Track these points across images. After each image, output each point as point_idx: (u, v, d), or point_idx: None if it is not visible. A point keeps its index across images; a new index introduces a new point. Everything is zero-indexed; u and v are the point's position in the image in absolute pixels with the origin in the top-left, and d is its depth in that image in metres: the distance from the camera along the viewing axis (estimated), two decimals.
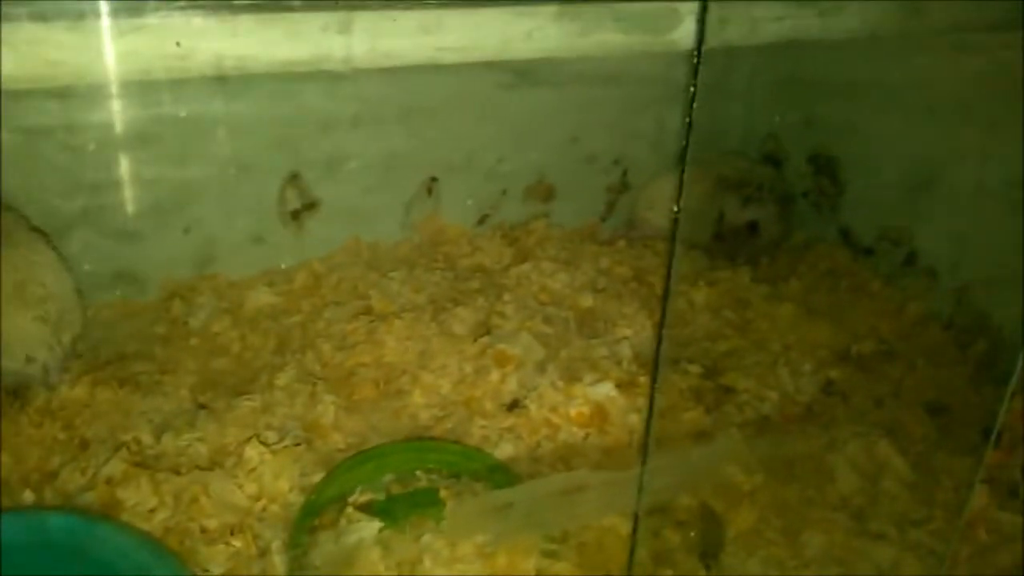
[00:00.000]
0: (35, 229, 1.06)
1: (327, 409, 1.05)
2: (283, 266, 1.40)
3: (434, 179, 1.48)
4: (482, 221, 1.56)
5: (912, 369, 1.16)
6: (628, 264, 1.40)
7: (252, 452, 0.92)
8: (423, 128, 1.41)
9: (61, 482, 0.93)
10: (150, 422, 1.02)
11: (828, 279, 1.42)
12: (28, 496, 0.90)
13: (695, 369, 1.14)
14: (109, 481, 0.90)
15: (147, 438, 0.98)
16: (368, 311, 1.26)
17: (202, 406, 1.06)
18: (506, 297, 1.26)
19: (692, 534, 0.90)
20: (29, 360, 0.97)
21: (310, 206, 1.40)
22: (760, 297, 1.32)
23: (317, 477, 0.94)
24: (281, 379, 1.12)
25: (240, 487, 0.90)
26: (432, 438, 1.00)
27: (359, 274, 1.36)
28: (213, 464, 0.94)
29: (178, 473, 0.92)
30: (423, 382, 1.13)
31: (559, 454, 1.01)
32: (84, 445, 0.99)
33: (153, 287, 1.30)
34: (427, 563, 0.83)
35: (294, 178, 1.38)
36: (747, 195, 1.41)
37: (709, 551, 0.89)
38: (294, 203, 1.39)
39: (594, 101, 1.52)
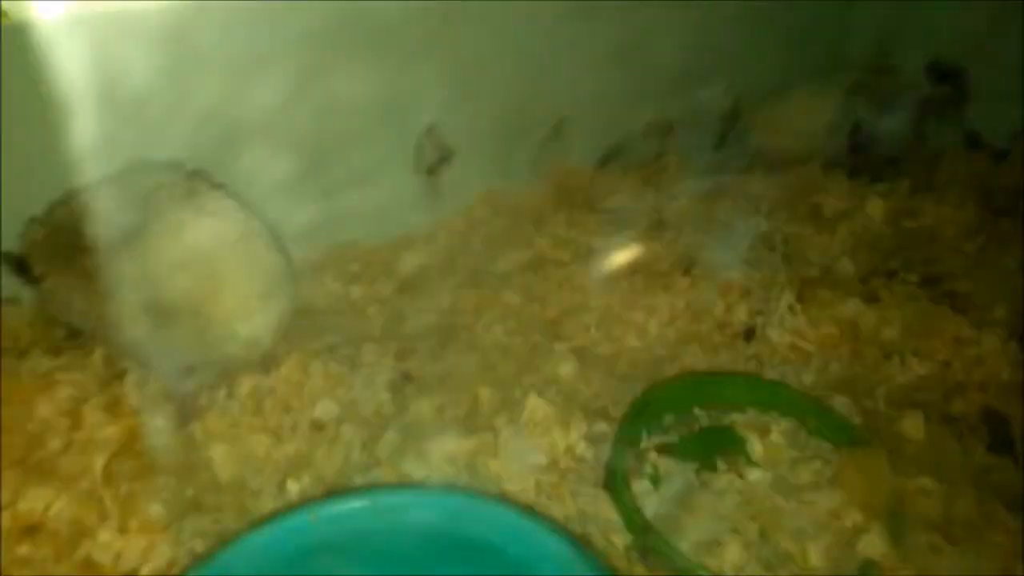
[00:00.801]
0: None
1: (559, 359, 0.95)
2: (422, 224, 1.29)
3: (561, 120, 1.39)
4: (604, 162, 1.47)
5: None
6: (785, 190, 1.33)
7: (534, 403, 0.83)
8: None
9: (317, 468, 0.82)
10: (374, 395, 0.91)
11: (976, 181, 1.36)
12: (292, 487, 0.79)
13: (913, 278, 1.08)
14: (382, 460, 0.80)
15: (388, 408, 0.88)
16: (542, 260, 1.17)
17: (407, 377, 0.96)
18: (687, 231, 1.17)
19: None
20: (251, 343, 0.85)
21: (445, 158, 1.30)
22: (932, 203, 1.26)
23: (594, 428, 0.85)
24: (487, 337, 1.02)
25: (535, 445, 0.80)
26: (707, 372, 0.92)
27: (509, 223, 1.26)
28: (482, 427, 0.84)
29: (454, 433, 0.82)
30: (636, 323, 1.04)
31: (825, 378, 0.94)
32: (318, 426, 0.88)
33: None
34: (779, 500, 0.75)
35: (430, 131, 1.27)
36: (884, 103, 1.35)
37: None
38: (431, 157, 1.28)
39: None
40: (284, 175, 1.10)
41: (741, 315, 1.02)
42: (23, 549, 0.73)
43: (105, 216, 0.85)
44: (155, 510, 0.77)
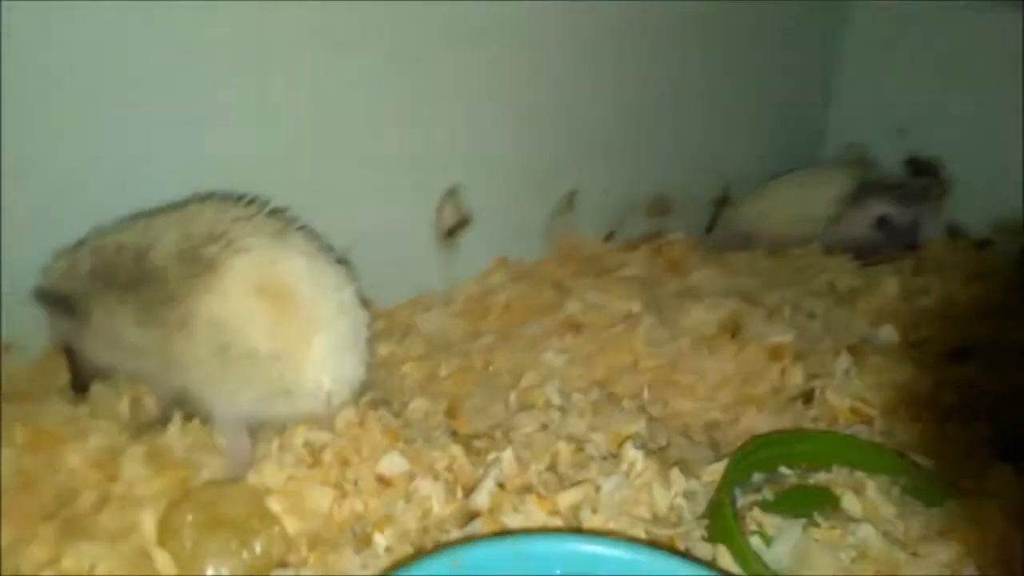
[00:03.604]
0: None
1: (628, 417, 0.92)
2: (436, 288, 1.25)
3: (574, 192, 1.39)
4: (609, 237, 1.48)
5: None
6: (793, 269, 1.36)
7: (634, 455, 0.78)
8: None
9: (397, 523, 0.75)
10: (448, 446, 0.85)
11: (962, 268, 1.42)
12: (380, 541, 0.72)
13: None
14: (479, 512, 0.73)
15: (462, 462, 0.82)
16: (574, 324, 1.14)
17: (472, 434, 0.91)
18: (720, 299, 1.17)
19: None
20: (331, 396, 0.79)
21: (464, 222, 1.28)
22: (938, 284, 1.30)
23: (685, 486, 0.81)
24: (537, 396, 0.98)
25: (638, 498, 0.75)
26: (795, 429, 0.90)
27: (529, 289, 1.24)
28: (572, 481, 0.79)
29: (540, 492, 0.77)
30: (687, 385, 1.02)
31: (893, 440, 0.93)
32: (386, 481, 0.81)
33: None
34: (897, 554, 0.72)
35: (452, 193, 1.25)
36: (904, 195, 1.41)
37: None
38: (450, 220, 1.26)
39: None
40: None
41: (797, 379, 1.01)
42: None
43: (165, 248, 0.78)
44: (224, 568, 0.68)
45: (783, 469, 0.85)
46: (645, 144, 1.42)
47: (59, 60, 0.82)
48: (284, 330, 0.75)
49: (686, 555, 0.68)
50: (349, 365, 0.78)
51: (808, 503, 0.80)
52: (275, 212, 0.82)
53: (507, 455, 0.81)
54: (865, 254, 1.40)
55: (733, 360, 1.04)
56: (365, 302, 1.06)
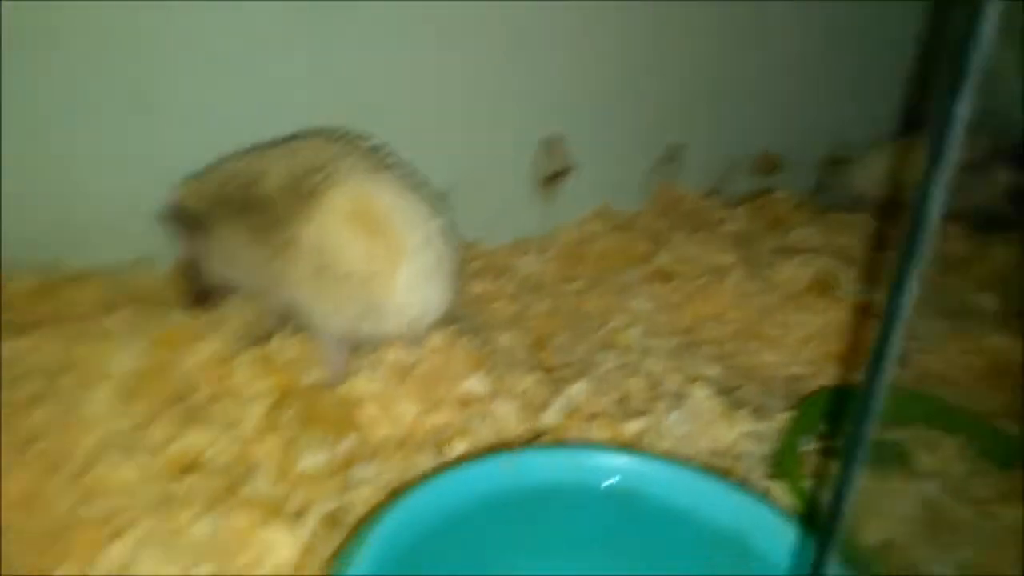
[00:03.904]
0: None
1: (704, 362, 0.94)
2: (535, 233, 1.29)
3: (679, 146, 1.40)
4: (713, 193, 1.48)
5: None
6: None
7: (699, 393, 0.81)
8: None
9: (473, 436, 0.81)
10: (521, 376, 0.90)
11: None
12: (458, 446, 0.78)
13: None
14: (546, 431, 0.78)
15: (538, 389, 0.87)
16: (664, 274, 1.16)
17: (547, 367, 0.96)
18: (814, 257, 1.17)
19: None
20: (415, 320, 0.85)
21: (565, 171, 1.31)
22: None
23: (756, 426, 0.83)
24: (622, 337, 1.01)
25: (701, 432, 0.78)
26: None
27: (625, 238, 1.26)
28: (640, 413, 0.83)
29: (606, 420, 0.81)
30: (772, 338, 1.03)
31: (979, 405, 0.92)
32: (466, 400, 0.87)
33: None
34: (961, 510, 0.73)
35: (552, 142, 1.28)
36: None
37: None
38: (550, 167, 1.29)
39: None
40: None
41: None
42: (185, 483, 0.71)
43: (275, 177, 0.86)
44: (316, 459, 0.75)
45: None
46: (754, 100, 1.41)
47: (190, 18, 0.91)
48: (375, 255, 0.81)
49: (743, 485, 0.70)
50: (433, 291, 0.84)
51: (879, 456, 0.80)
52: (374, 149, 0.88)
53: (580, 385, 0.85)
54: (987, 224, 1.35)
55: (821, 316, 1.04)
56: (465, 243, 1.14)
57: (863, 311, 1.04)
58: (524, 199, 1.29)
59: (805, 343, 1.03)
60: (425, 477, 0.61)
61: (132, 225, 0.96)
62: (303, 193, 0.84)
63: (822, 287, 1.08)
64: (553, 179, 1.31)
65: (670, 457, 0.73)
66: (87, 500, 0.67)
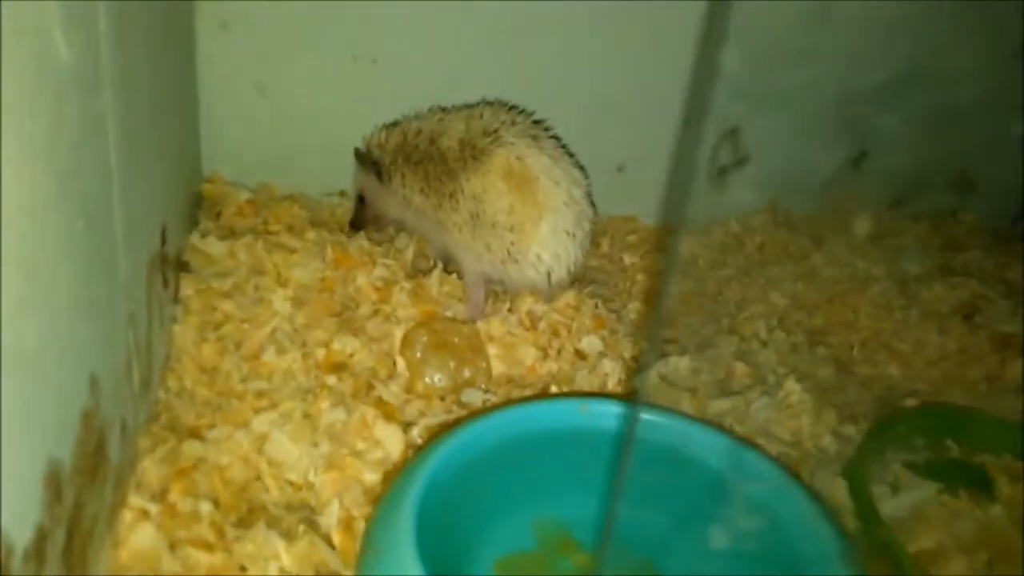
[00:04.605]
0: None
1: (819, 363, 0.98)
2: (701, 218, 1.34)
3: (863, 153, 1.39)
4: (896, 205, 1.45)
5: None
6: None
7: (792, 386, 0.86)
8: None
9: (575, 385, 0.91)
10: (641, 341, 0.98)
11: None
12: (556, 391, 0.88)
13: None
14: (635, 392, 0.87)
15: (648, 357, 0.95)
16: (815, 275, 1.19)
17: (667, 339, 1.02)
18: (973, 283, 1.15)
19: None
20: (548, 272, 0.96)
21: (741, 162, 1.34)
22: None
23: (843, 428, 0.87)
24: (747, 326, 1.06)
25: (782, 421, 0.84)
26: (970, 407, 0.91)
27: (786, 236, 1.29)
28: (734, 395, 0.89)
29: (697, 395, 0.88)
30: (902, 353, 1.04)
31: None
32: (582, 355, 0.96)
33: None
34: (1017, 538, 0.74)
35: (731, 132, 1.32)
36: None
37: None
38: (726, 158, 1.33)
39: None
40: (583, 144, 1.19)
41: (1015, 371, 0.99)
42: (331, 379, 0.87)
43: (451, 137, 0.99)
44: (438, 378, 0.89)
45: (949, 443, 0.87)
46: (949, 112, 1.37)
47: None
48: (520, 210, 0.93)
49: (800, 478, 0.76)
50: (567, 248, 0.95)
51: (958, 478, 0.83)
52: (536, 122, 0.99)
53: (685, 359, 0.93)
54: None
55: (957, 341, 1.04)
56: (628, 217, 1.23)
57: (1004, 342, 1.03)
58: (696, 185, 1.35)
59: (934, 364, 1.03)
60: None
61: (337, 161, 1.13)
62: (472, 152, 0.97)
63: (968, 312, 1.07)
64: (728, 169, 1.35)
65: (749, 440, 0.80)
66: (250, 379, 0.84)
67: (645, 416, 0.70)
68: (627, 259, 1.22)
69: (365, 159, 1.04)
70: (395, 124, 1.05)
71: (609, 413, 0.71)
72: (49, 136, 0.50)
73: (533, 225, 0.93)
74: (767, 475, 0.66)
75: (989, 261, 1.24)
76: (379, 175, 1.03)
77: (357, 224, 1.09)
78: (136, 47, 0.72)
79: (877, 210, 1.40)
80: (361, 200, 1.07)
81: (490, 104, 1.02)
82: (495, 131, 0.96)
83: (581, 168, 1.00)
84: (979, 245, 1.31)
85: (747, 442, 0.72)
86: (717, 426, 0.79)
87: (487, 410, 0.82)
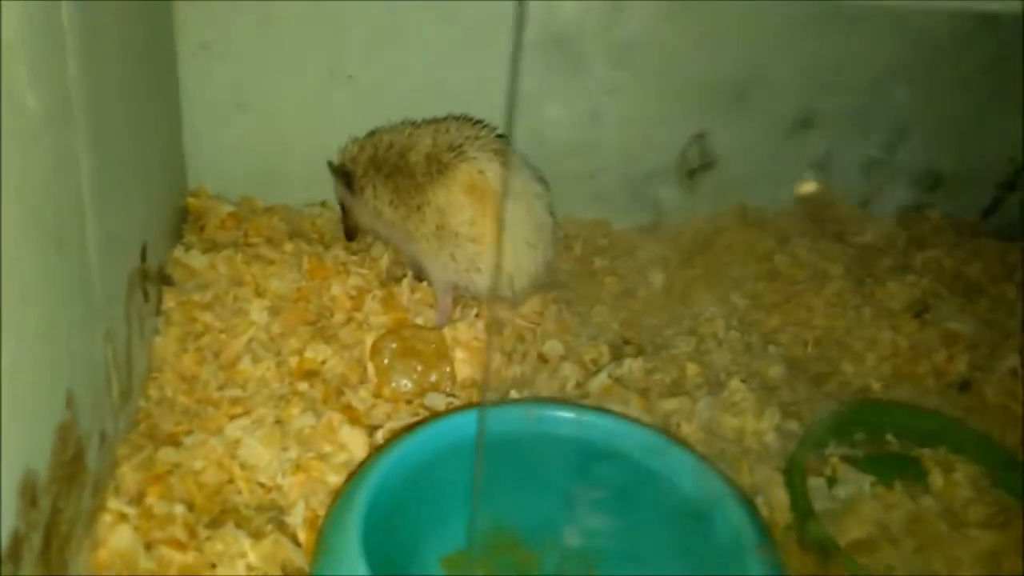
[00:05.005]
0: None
1: (771, 361, 1.03)
2: (670, 220, 1.39)
3: (829, 152, 1.43)
4: (865, 204, 1.49)
5: None
6: None
7: (736, 385, 0.91)
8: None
9: (536, 389, 0.96)
10: (601, 345, 1.03)
11: None
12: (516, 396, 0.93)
13: None
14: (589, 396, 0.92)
15: (605, 360, 1.00)
16: (776, 274, 1.23)
17: (626, 340, 1.08)
18: (929, 279, 1.19)
19: None
20: (510, 280, 1.01)
21: (708, 165, 1.39)
22: None
23: (786, 424, 0.92)
24: (707, 327, 1.11)
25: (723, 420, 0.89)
26: (910, 404, 0.96)
27: (753, 237, 1.34)
28: (682, 395, 0.94)
29: (648, 395, 0.93)
30: (855, 351, 1.09)
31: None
32: (544, 359, 1.02)
33: None
34: (943, 528, 0.79)
35: (699, 136, 1.37)
36: None
37: None
38: (694, 161, 1.38)
39: None
40: (559, 148, 1.24)
41: (961, 366, 1.04)
42: (303, 386, 0.92)
43: (419, 151, 1.04)
44: (404, 383, 0.94)
45: (889, 437, 0.92)
46: (916, 110, 1.40)
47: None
48: (481, 222, 0.98)
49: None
50: (528, 258, 1.00)
51: (895, 470, 0.88)
52: (501, 136, 1.04)
53: (639, 361, 0.98)
54: None
55: (907, 338, 1.09)
56: (598, 222, 1.28)
57: (951, 340, 1.07)
58: (663, 188, 1.40)
59: (885, 360, 1.08)
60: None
61: (317, 173, 1.18)
62: (438, 166, 1.02)
63: (919, 309, 1.12)
64: (695, 173, 1.40)
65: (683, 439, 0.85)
66: (226, 387, 0.90)
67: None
68: (597, 263, 1.27)
69: (338, 171, 1.09)
70: (368, 136, 1.10)
71: (554, 418, 0.77)
72: (21, 177, 0.55)
73: (493, 237, 0.98)
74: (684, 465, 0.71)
75: (949, 259, 1.28)
76: (351, 187, 1.09)
77: (349, 234, 1.14)
78: (111, 81, 0.78)
79: (844, 208, 1.44)
80: (344, 212, 1.13)
81: (456, 119, 1.07)
82: (459, 146, 1.01)
83: (543, 181, 1.04)
84: (942, 243, 1.35)
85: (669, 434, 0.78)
86: (652, 425, 0.84)
87: (447, 413, 0.87)
